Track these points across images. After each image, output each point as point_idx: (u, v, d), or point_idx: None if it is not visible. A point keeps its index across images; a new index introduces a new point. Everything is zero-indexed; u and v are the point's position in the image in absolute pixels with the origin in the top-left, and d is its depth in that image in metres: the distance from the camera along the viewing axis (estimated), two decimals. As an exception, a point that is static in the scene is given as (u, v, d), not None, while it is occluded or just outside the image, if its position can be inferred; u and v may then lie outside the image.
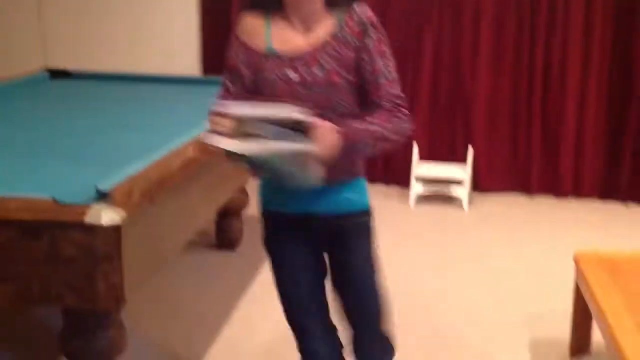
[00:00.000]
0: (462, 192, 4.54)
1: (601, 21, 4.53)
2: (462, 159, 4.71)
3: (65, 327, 1.95)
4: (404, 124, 1.68)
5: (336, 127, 1.56)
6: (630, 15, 4.48)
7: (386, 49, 1.69)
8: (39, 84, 3.72)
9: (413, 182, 4.60)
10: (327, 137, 1.53)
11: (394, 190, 4.83)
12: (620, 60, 4.58)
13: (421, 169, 4.65)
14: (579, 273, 2.56)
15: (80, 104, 3.37)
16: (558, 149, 4.74)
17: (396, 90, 1.68)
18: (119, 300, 1.78)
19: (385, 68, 1.67)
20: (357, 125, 1.63)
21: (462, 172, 4.58)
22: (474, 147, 4.71)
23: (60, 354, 1.97)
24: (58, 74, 3.91)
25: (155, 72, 4.12)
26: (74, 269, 1.73)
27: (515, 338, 2.85)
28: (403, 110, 1.68)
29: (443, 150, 4.87)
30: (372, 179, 4.88)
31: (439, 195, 4.64)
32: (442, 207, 4.54)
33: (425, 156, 4.79)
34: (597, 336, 2.61)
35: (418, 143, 4.70)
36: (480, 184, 4.83)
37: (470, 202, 4.59)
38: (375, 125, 1.64)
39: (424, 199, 4.64)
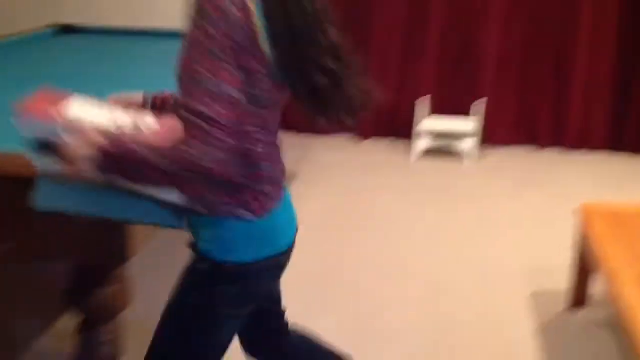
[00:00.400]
0: (469, 146, 4.54)
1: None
2: (472, 113, 4.69)
3: (71, 280, 1.99)
4: (191, 150, 1.16)
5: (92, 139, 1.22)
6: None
7: (205, 41, 1.17)
8: (47, 39, 3.71)
9: (416, 135, 4.61)
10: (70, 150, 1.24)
11: (402, 144, 4.83)
12: (632, 12, 4.51)
13: (429, 122, 4.64)
14: (582, 225, 2.58)
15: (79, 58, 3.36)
16: (567, 101, 4.71)
17: (198, 101, 1.16)
18: (123, 254, 1.81)
19: (194, 65, 1.18)
20: (124, 138, 1.24)
21: (469, 126, 4.57)
22: (484, 100, 4.68)
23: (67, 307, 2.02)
24: (67, 29, 3.92)
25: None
26: (78, 225, 1.75)
27: (514, 289, 2.88)
28: (198, 132, 1.16)
29: (454, 103, 4.84)
30: (378, 133, 4.91)
31: (445, 149, 4.64)
32: (448, 161, 4.54)
33: (435, 109, 4.78)
34: (594, 289, 2.65)
35: (429, 96, 4.69)
36: (489, 138, 4.81)
37: (479, 155, 4.58)
38: (142, 142, 1.22)
39: (431, 152, 4.64)
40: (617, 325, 2.47)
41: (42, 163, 1.34)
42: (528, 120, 4.81)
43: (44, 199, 1.48)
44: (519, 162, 4.58)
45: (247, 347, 1.71)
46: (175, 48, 1.27)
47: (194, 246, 1.41)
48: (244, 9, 1.20)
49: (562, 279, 2.84)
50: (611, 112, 4.69)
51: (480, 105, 4.63)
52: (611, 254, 2.27)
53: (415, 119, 4.66)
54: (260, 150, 1.33)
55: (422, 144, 4.61)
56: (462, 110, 4.77)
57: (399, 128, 4.90)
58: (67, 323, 2.11)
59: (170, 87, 1.40)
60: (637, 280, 2.09)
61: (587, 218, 2.56)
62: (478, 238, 3.38)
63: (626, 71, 4.61)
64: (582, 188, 4.02)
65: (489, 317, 2.66)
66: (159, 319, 1.46)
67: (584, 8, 4.53)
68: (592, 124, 4.72)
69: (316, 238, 3.28)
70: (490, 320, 2.64)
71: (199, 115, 1.16)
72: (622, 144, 4.69)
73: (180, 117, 1.18)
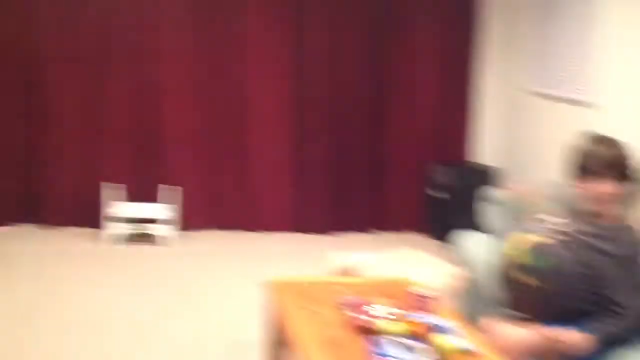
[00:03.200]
0: (167, 231, 4.59)
1: (282, 64, 4.96)
2: (164, 199, 4.76)
3: None
4: None
5: None
6: (304, 60, 5.00)
7: None
8: None
9: (110, 222, 4.53)
10: None
11: (91, 232, 4.67)
12: (301, 102, 5.05)
13: (122, 208, 4.59)
14: (269, 298, 2.77)
15: None
16: (253, 186, 5.04)
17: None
18: None
19: None
20: None
21: (166, 212, 4.63)
22: (175, 186, 4.78)
23: None
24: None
25: None
26: None
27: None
28: None
29: (148, 190, 4.87)
30: (64, 221, 4.71)
31: (145, 235, 4.62)
32: (148, 247, 4.53)
33: (131, 197, 4.75)
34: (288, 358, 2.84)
35: (120, 184, 4.65)
36: (186, 223, 4.91)
37: (174, 240, 4.65)
38: None
39: (130, 239, 4.58)
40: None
41: None
42: (219, 204, 5.04)
43: None
44: (214, 244, 4.74)
45: None
46: None
47: None
48: None
49: (258, 353, 2.98)
50: (295, 194, 5.14)
51: (174, 192, 4.73)
52: (298, 323, 2.47)
53: (103, 205, 4.57)
54: None
55: (116, 229, 4.53)
56: (155, 195, 4.82)
57: (86, 214, 4.76)
58: None
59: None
60: (323, 345, 2.29)
61: (273, 292, 2.75)
62: (177, 319, 3.40)
63: (301, 154, 5.11)
64: (270, 265, 4.30)
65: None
66: None
67: (263, 91, 4.96)
68: (278, 206, 5.11)
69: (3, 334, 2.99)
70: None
71: None
72: (307, 224, 5.14)
73: None
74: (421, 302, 2.49)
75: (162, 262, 4.31)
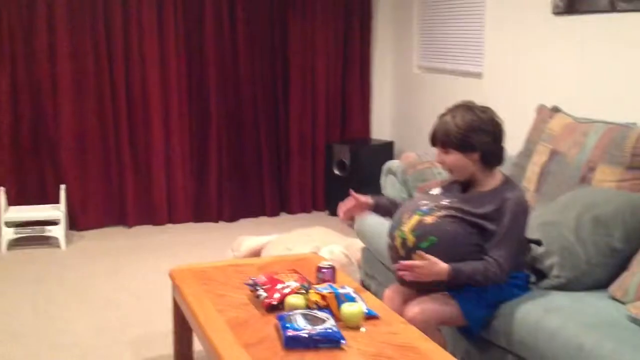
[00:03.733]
0: (58, 232, 4.42)
1: (174, 53, 4.86)
2: (55, 199, 4.58)
3: None
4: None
5: None
6: (199, 46, 4.94)
7: None
8: None
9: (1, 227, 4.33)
10: None
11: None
12: (197, 89, 4.99)
13: (11, 213, 4.39)
14: (175, 287, 2.73)
15: None
16: (150, 180, 4.94)
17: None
18: None
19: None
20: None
21: (55, 212, 4.46)
22: (65, 185, 4.61)
23: None
24: None
25: None
26: None
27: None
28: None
29: (34, 192, 4.67)
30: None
31: (34, 238, 4.43)
32: (39, 249, 4.35)
33: (15, 200, 4.54)
34: (197, 345, 2.82)
35: (5, 187, 4.43)
36: (77, 223, 4.76)
37: (68, 241, 4.49)
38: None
39: (17, 243, 4.38)
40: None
41: None
42: (115, 201, 4.90)
43: None
44: (112, 242, 4.61)
45: None
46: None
47: None
48: None
49: (168, 344, 2.94)
50: (193, 185, 5.08)
51: (65, 191, 4.56)
52: (204, 308, 2.44)
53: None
54: None
55: (5, 234, 4.33)
56: (47, 196, 4.64)
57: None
58: None
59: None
60: (230, 327, 2.28)
61: (178, 280, 2.71)
62: (80, 319, 3.30)
63: (199, 147, 5.06)
64: (174, 257, 4.23)
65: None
66: None
67: (153, 86, 4.83)
68: (177, 198, 5.03)
69: None
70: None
71: None
72: (206, 213, 5.10)
73: None
74: (327, 275, 2.53)
75: (58, 263, 4.15)
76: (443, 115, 2.43)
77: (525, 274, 2.44)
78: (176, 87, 4.91)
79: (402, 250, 2.41)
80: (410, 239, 2.37)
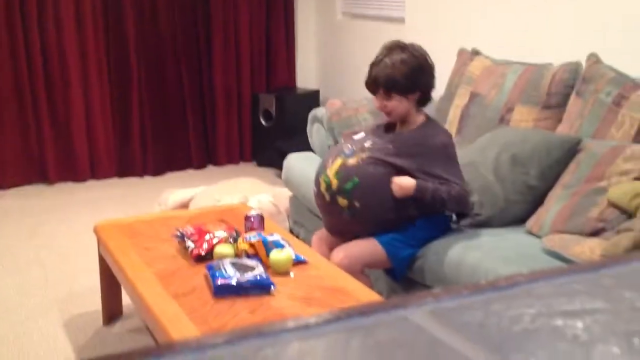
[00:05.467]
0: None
1: (90, 5, 4.67)
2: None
3: None
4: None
5: None
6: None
7: None
8: None
9: None
10: None
11: None
12: (115, 43, 4.83)
13: None
14: (100, 242, 2.68)
15: None
16: (70, 135, 4.78)
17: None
18: None
19: None
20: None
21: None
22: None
23: None
24: None
25: None
26: None
27: (48, 322, 2.81)
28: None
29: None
30: None
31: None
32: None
33: None
34: (126, 299, 2.79)
35: None
36: (-4, 180, 4.59)
37: (-14, 201, 4.32)
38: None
39: None
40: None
41: None
42: (34, 159, 4.73)
43: None
44: (32, 200, 4.47)
45: None
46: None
47: None
48: None
49: (96, 300, 2.89)
50: (115, 139, 4.94)
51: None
52: (131, 261, 2.42)
53: None
54: None
55: None
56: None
57: None
58: None
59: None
60: (157, 278, 2.27)
61: (104, 235, 2.66)
62: (1, 279, 3.20)
63: (120, 99, 4.91)
64: (97, 214, 4.13)
65: (27, 355, 2.56)
66: None
67: (70, 39, 4.63)
68: (99, 153, 4.89)
69: None
70: (29, 357, 2.54)
71: None
72: (129, 168, 4.99)
73: None
74: (255, 224, 2.54)
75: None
76: (379, 59, 2.40)
77: (445, 214, 2.50)
78: (94, 41, 4.72)
79: (327, 195, 2.43)
80: (334, 182, 2.40)
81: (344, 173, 2.38)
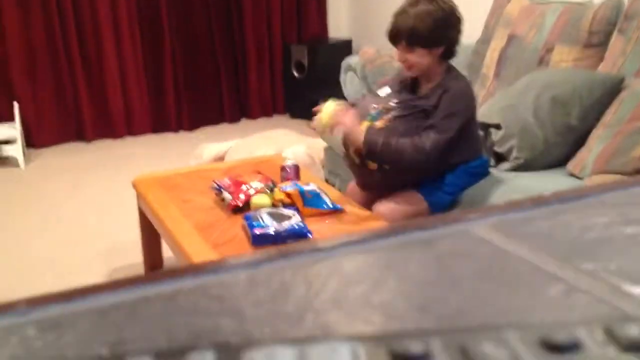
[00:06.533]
0: (15, 150, 4.32)
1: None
2: (9, 118, 4.45)
3: None
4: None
5: None
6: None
7: None
8: None
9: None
10: None
11: None
12: (149, 2, 4.80)
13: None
14: (139, 196, 2.71)
15: None
16: (105, 94, 4.81)
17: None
18: None
19: None
20: None
21: (11, 130, 4.33)
22: (18, 103, 4.47)
23: None
24: None
25: None
26: None
27: (91, 275, 2.88)
28: None
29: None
30: None
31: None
32: (-3, 170, 4.27)
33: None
34: (167, 252, 2.83)
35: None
36: (32, 140, 4.65)
37: (26, 159, 4.39)
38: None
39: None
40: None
41: None
42: (70, 116, 4.78)
43: None
44: (70, 157, 4.53)
45: None
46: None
47: None
48: None
49: (136, 253, 2.94)
50: (149, 95, 4.96)
51: (16, 109, 4.42)
52: (170, 213, 2.44)
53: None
54: None
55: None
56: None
57: None
58: None
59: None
60: (197, 229, 2.29)
61: (142, 189, 2.69)
62: (45, 235, 3.28)
63: (153, 55, 4.91)
64: (135, 169, 4.16)
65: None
66: None
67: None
68: (134, 109, 4.92)
69: None
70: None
71: None
72: (164, 123, 5.02)
73: None
74: (291, 174, 2.53)
75: (18, 182, 4.08)
76: (403, 9, 2.29)
77: (483, 159, 2.46)
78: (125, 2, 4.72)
79: (356, 158, 2.40)
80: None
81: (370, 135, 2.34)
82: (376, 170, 2.34)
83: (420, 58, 2.28)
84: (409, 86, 2.41)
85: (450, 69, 2.36)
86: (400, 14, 2.29)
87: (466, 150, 2.36)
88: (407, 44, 2.27)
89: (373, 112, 2.38)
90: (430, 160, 2.23)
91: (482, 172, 2.43)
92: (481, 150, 2.47)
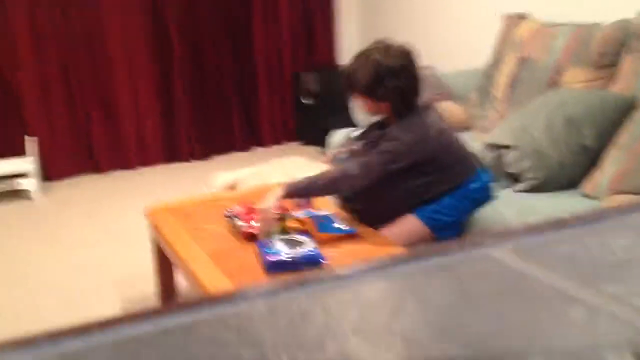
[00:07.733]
0: (30, 184, 4.35)
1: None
2: (23, 151, 4.49)
3: None
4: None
5: None
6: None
7: None
8: None
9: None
10: None
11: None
12: (158, 31, 4.86)
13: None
14: (152, 225, 2.71)
15: None
16: (118, 125, 4.85)
17: None
18: None
19: None
20: None
21: (24, 164, 4.38)
22: (33, 136, 4.52)
23: None
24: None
25: None
26: None
27: (105, 304, 2.87)
28: None
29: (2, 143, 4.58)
30: None
31: (5, 192, 4.37)
32: (12, 203, 4.29)
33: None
34: (180, 280, 2.83)
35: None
36: (47, 173, 4.69)
37: (42, 192, 4.43)
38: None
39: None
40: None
41: None
42: (84, 148, 4.82)
43: None
44: (85, 189, 4.56)
45: None
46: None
47: None
48: None
49: (150, 281, 2.95)
50: (161, 127, 5.00)
51: (32, 143, 4.46)
52: (183, 242, 2.44)
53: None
54: None
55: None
56: (12, 151, 4.55)
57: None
58: None
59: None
60: (211, 258, 2.29)
61: (155, 218, 2.70)
62: (60, 263, 3.29)
63: (164, 86, 4.96)
64: (148, 199, 4.20)
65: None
66: None
67: (115, 27, 4.70)
68: (147, 141, 4.96)
69: None
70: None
71: None
72: (176, 153, 5.05)
73: None
74: (303, 201, 2.53)
75: (33, 214, 4.10)
76: (357, 56, 2.28)
77: (484, 184, 2.38)
78: (145, 31, 4.78)
79: (338, 200, 2.46)
80: None
81: (337, 162, 2.37)
82: (354, 212, 2.38)
83: (369, 104, 2.29)
84: (379, 123, 2.41)
85: (403, 122, 2.27)
86: (354, 58, 2.30)
87: (447, 181, 2.34)
88: (352, 90, 2.30)
89: (342, 156, 2.42)
90: (366, 178, 2.22)
91: (483, 197, 2.39)
92: (470, 173, 2.38)
